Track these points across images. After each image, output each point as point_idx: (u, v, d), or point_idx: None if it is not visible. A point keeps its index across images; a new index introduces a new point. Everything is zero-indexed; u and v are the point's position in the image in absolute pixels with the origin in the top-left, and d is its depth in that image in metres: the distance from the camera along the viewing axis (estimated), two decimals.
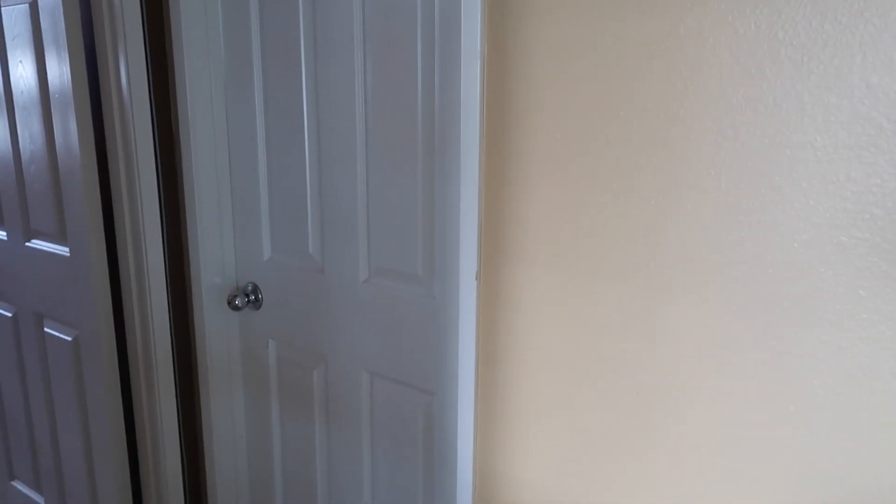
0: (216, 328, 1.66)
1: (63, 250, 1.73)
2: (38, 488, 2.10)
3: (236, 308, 1.57)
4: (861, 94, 0.81)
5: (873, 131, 0.80)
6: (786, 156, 0.86)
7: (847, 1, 0.80)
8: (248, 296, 1.60)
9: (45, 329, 1.86)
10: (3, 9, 1.70)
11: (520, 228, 1.11)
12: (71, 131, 1.60)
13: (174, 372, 1.70)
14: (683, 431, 1.00)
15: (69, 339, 1.79)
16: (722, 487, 0.98)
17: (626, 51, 0.96)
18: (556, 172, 1.06)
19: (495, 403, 1.21)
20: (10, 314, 1.97)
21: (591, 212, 1.03)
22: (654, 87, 0.95)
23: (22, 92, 1.72)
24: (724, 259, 0.93)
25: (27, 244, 1.83)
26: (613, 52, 0.97)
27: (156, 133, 1.60)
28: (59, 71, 1.59)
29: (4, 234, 1.90)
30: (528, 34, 1.05)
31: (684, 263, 0.96)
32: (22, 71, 1.70)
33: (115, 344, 1.71)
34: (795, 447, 0.91)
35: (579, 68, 1.01)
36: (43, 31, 1.60)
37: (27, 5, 1.63)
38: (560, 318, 1.09)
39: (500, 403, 1.20)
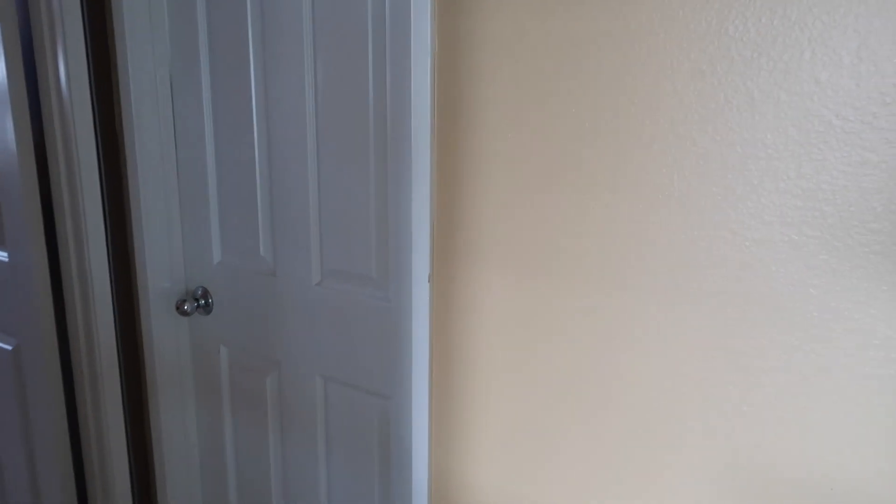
0: (165, 334, 1.60)
1: (1, 256, 1.65)
2: None
3: (185, 313, 1.51)
4: (810, 91, 0.80)
5: (822, 128, 0.80)
6: (737, 153, 0.86)
7: None
8: (197, 300, 1.55)
9: None
10: None
11: (472, 229, 1.09)
12: (7, 131, 1.53)
13: (121, 381, 1.63)
14: (644, 431, 0.99)
15: (9, 348, 1.71)
16: (674, 484, 0.97)
17: (576, 46, 0.95)
18: (508, 171, 1.04)
19: (451, 406, 1.19)
20: None
21: (542, 211, 1.01)
22: (605, 83, 0.93)
23: None
24: (677, 258, 0.92)
25: None
26: (564, 48, 0.95)
27: (98, 132, 1.53)
28: None
29: None
30: (479, 30, 1.02)
31: (637, 263, 0.95)
32: None
33: (58, 353, 1.64)
34: (749, 447, 0.91)
35: (529, 64, 0.99)
36: None
37: None
38: (513, 319, 1.07)
39: (455, 406, 1.18)
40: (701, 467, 0.95)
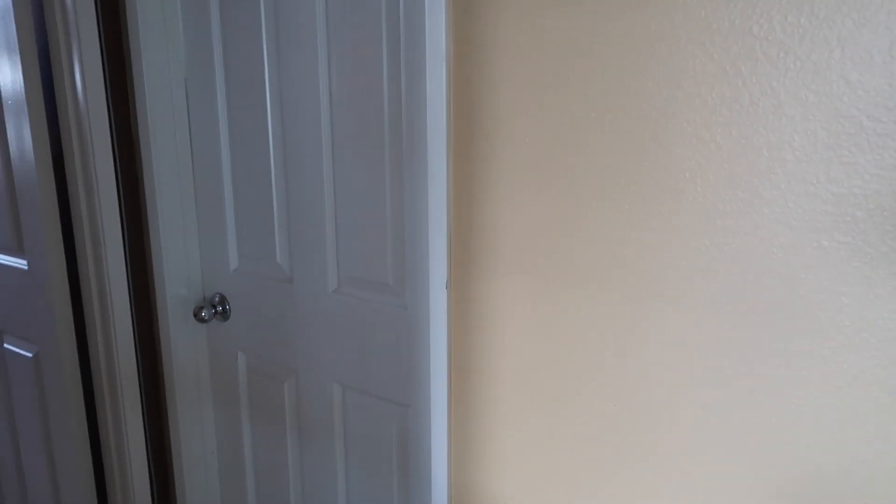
0: (183, 341, 1.60)
1: (21, 263, 1.66)
2: None
3: (203, 320, 1.51)
4: (840, 91, 0.77)
5: (854, 130, 0.77)
6: (763, 157, 0.83)
7: None
8: (215, 307, 1.54)
9: (5, 345, 1.79)
10: None
11: (490, 235, 1.07)
12: (25, 139, 1.53)
13: (140, 387, 1.64)
14: (662, 444, 0.97)
15: (30, 355, 1.72)
16: (702, 500, 0.95)
17: (594, 48, 0.92)
18: (526, 177, 1.01)
19: (470, 415, 1.17)
20: None
21: (562, 217, 0.99)
22: (625, 85, 0.91)
23: None
24: (701, 265, 0.89)
25: None
26: (581, 50, 0.93)
27: (114, 139, 1.53)
28: (12, 76, 1.52)
29: None
30: (495, 33, 1.00)
31: (660, 270, 0.92)
32: None
33: (77, 360, 1.65)
34: (777, 459, 0.88)
35: (546, 68, 0.96)
36: None
37: None
38: (533, 327, 1.05)
39: (474, 415, 1.16)
40: (727, 479, 0.92)
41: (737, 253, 0.86)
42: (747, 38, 0.82)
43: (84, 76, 1.47)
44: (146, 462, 1.68)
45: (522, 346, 1.07)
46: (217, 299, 1.55)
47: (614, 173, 0.94)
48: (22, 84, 1.50)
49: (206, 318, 1.52)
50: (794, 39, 0.79)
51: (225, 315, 1.55)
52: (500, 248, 1.06)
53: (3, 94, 1.55)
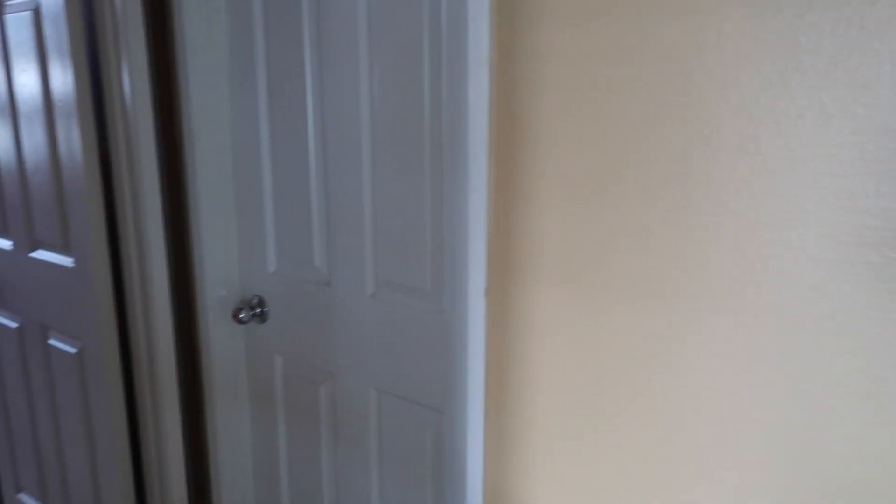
0: (221, 341, 1.63)
1: (67, 261, 1.71)
2: (44, 501, 2.08)
3: (241, 321, 1.54)
4: (890, 105, 0.76)
5: None
6: (810, 170, 0.82)
7: (875, 6, 0.76)
8: (253, 309, 1.57)
9: (50, 341, 1.84)
10: (6, 16, 1.68)
11: (530, 243, 1.07)
12: (74, 140, 1.58)
13: (179, 385, 1.67)
14: (705, 461, 0.96)
15: (74, 351, 1.77)
16: None
17: (638, 57, 0.92)
18: (567, 185, 1.02)
19: (506, 422, 1.17)
20: (15, 325, 1.95)
21: (602, 226, 0.99)
22: (669, 95, 0.90)
23: (25, 100, 1.70)
24: (745, 279, 0.88)
25: (31, 255, 1.81)
26: (625, 58, 0.93)
27: (159, 141, 1.57)
28: (63, 79, 1.57)
29: (10, 243, 1.89)
30: (538, 41, 1.01)
31: (703, 283, 0.92)
32: (25, 79, 1.68)
33: (119, 357, 1.69)
34: (822, 479, 0.87)
35: (589, 76, 0.97)
36: (46, 39, 1.58)
37: (30, 12, 1.61)
38: (573, 338, 1.05)
39: (510, 423, 1.16)
40: (767, 494, 0.91)
41: (782, 267, 0.85)
42: (795, 50, 0.81)
43: (132, 80, 1.51)
44: (183, 459, 1.72)
45: (561, 355, 1.08)
46: (255, 301, 1.58)
47: (657, 183, 0.94)
48: (73, 88, 1.54)
49: (245, 319, 1.54)
50: (844, 52, 0.78)
51: (263, 317, 1.57)
52: (540, 255, 1.07)
53: (54, 97, 1.60)
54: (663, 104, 0.91)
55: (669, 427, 0.98)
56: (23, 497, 2.16)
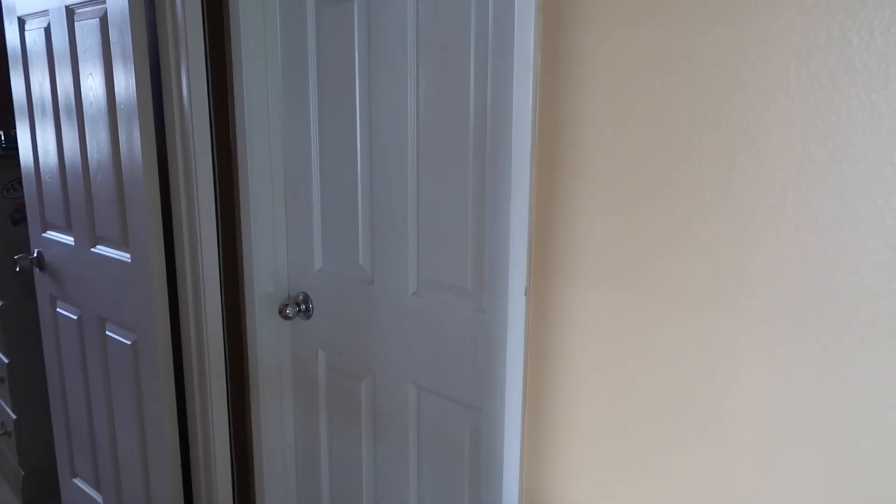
0: (268, 337, 1.67)
1: (125, 256, 1.78)
2: (97, 487, 2.17)
3: (287, 317, 1.58)
4: None
5: None
6: (860, 171, 0.80)
7: None
8: (298, 305, 1.61)
9: (107, 332, 1.92)
10: (76, 24, 1.77)
11: (571, 245, 1.08)
12: (135, 141, 1.65)
13: (226, 378, 1.72)
14: (738, 461, 0.95)
15: (129, 342, 1.84)
16: None
17: (686, 59, 0.92)
18: (610, 188, 1.02)
19: (543, 422, 1.17)
20: (75, 317, 2.04)
21: (643, 227, 0.99)
22: (714, 96, 0.90)
23: (91, 103, 1.78)
24: (789, 280, 0.87)
25: (92, 249, 1.90)
26: (672, 62, 0.93)
27: (214, 143, 1.63)
28: (126, 82, 1.64)
29: (72, 239, 1.98)
30: (583, 45, 1.02)
31: (744, 282, 0.91)
32: (91, 83, 1.76)
33: (171, 349, 1.75)
34: (869, 487, 0.84)
35: (633, 78, 0.97)
36: (111, 45, 1.66)
37: (97, 20, 1.69)
38: (609, 335, 1.05)
39: (548, 423, 1.16)
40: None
41: (829, 269, 0.84)
42: (846, 49, 0.80)
43: (190, 84, 1.57)
44: (228, 449, 1.76)
45: (600, 355, 1.07)
46: (301, 298, 1.62)
47: (700, 184, 0.93)
48: (134, 91, 1.62)
49: (291, 315, 1.58)
50: None
51: (308, 313, 1.61)
52: (581, 257, 1.07)
53: (117, 100, 1.68)
54: (709, 105, 0.91)
55: (705, 427, 0.97)
56: (77, 482, 2.25)
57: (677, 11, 0.92)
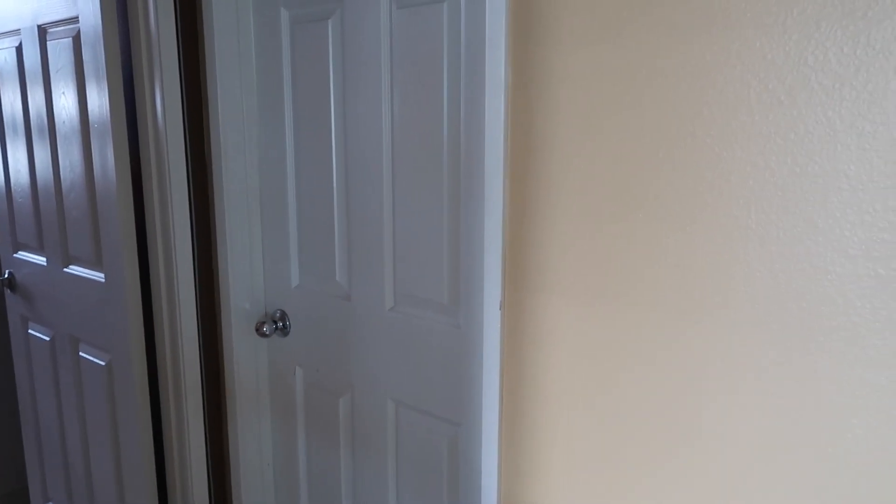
0: (245, 354, 1.67)
1: (98, 276, 1.77)
2: None
3: (264, 335, 1.58)
4: None
5: None
6: (818, 185, 0.83)
7: (881, 26, 0.78)
8: (276, 322, 1.61)
9: (80, 353, 1.89)
10: (49, 42, 1.77)
11: (545, 259, 1.10)
12: (108, 159, 1.64)
13: (203, 397, 1.71)
14: (715, 470, 0.97)
15: (103, 363, 1.82)
16: None
17: (652, 79, 0.95)
18: (583, 201, 1.04)
19: (521, 436, 1.18)
20: (47, 338, 2.02)
21: (616, 241, 1.01)
22: (681, 114, 0.93)
23: (64, 122, 1.77)
24: (755, 292, 0.90)
25: (65, 269, 1.88)
26: (639, 81, 0.96)
27: (189, 161, 1.63)
28: (99, 101, 1.63)
29: (44, 259, 1.96)
30: (553, 64, 1.04)
31: (714, 295, 0.93)
32: (64, 102, 1.75)
33: (146, 369, 1.73)
34: (835, 491, 0.87)
35: (602, 96, 0.99)
36: (84, 63, 1.65)
37: (70, 39, 1.68)
38: (585, 348, 1.07)
39: (526, 436, 1.18)
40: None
41: (792, 280, 0.87)
42: (802, 68, 0.83)
43: (164, 102, 1.57)
44: (206, 468, 1.75)
45: (575, 367, 1.09)
46: (278, 315, 1.62)
47: (669, 199, 0.96)
48: (108, 109, 1.61)
49: (268, 332, 1.58)
50: (850, 70, 0.80)
51: (285, 330, 1.61)
52: (556, 271, 1.09)
53: (90, 118, 1.67)
54: (674, 122, 0.94)
55: (681, 435, 0.99)
56: None
57: (641, 31, 0.95)
